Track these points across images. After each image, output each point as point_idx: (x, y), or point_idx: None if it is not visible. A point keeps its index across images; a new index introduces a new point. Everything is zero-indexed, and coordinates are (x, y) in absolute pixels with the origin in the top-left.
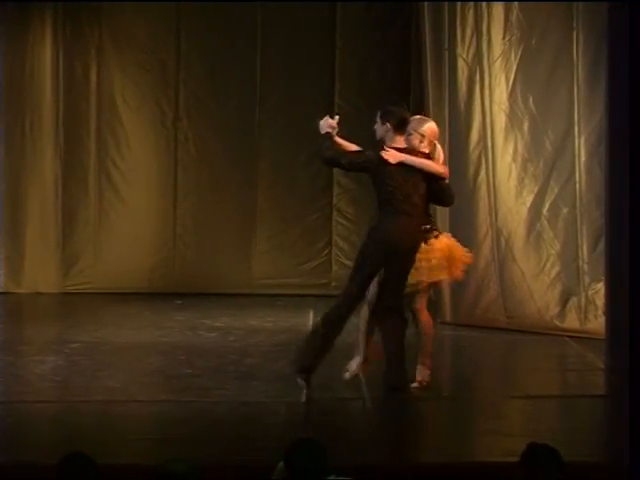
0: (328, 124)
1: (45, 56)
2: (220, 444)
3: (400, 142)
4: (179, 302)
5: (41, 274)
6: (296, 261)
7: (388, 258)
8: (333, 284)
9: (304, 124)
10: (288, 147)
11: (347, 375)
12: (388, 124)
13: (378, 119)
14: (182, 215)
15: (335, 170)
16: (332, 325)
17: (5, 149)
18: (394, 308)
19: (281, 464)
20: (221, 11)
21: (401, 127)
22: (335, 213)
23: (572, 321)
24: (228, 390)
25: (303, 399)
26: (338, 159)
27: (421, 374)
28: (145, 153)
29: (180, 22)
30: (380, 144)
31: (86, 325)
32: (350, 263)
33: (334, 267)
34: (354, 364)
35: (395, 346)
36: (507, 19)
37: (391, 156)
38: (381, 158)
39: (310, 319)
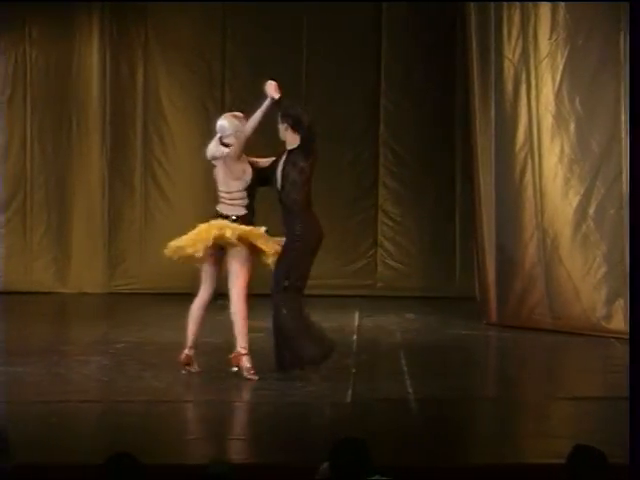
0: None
1: (92, 56)
2: (264, 444)
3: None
4: (221, 302)
5: (87, 274)
6: (341, 262)
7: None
8: (378, 285)
9: (349, 124)
10: (333, 147)
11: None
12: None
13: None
14: None
15: (381, 171)
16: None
17: (52, 149)
18: (301, 290)
19: (325, 465)
20: (267, 11)
21: (297, 126)
22: (380, 214)
23: (618, 322)
24: (273, 390)
25: (348, 399)
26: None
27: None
28: (190, 153)
29: (226, 22)
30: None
31: (131, 325)
32: (396, 264)
33: (379, 268)
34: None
35: (306, 322)
36: (553, 19)
37: None
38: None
39: (356, 320)
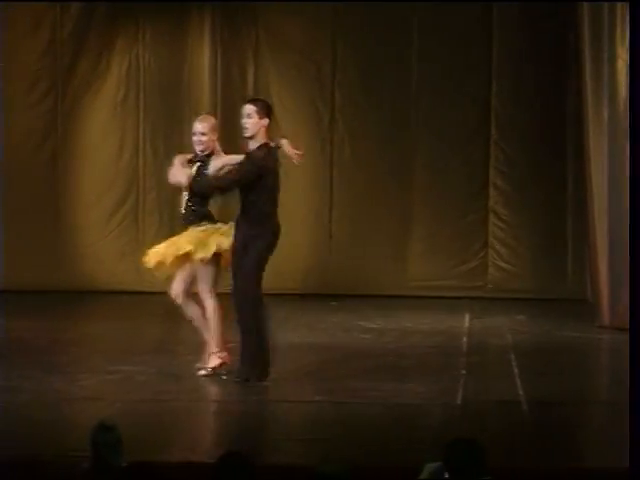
0: (178, 172)
1: (203, 57)
2: (374, 445)
3: (267, 137)
4: (334, 303)
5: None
6: (451, 263)
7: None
8: (489, 286)
9: (459, 125)
10: (443, 148)
11: (204, 372)
12: (267, 119)
13: (254, 113)
14: (337, 216)
15: (491, 172)
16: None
17: (164, 150)
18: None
19: (429, 465)
20: (377, 12)
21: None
22: (491, 215)
23: None
24: (382, 391)
25: (458, 401)
26: (238, 179)
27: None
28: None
29: (336, 23)
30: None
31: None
32: (506, 265)
33: (490, 269)
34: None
35: (269, 332)
36: None
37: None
38: (270, 159)
39: (466, 322)
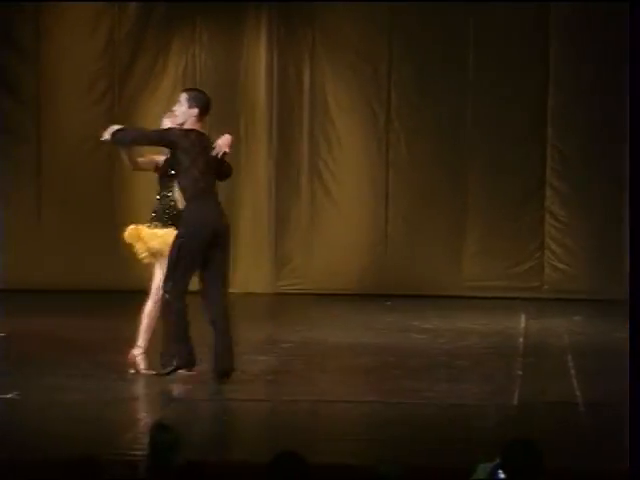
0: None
1: (260, 58)
2: (428, 446)
3: (199, 127)
4: (389, 303)
5: (253, 274)
6: (507, 264)
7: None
8: (545, 287)
9: (516, 125)
10: (499, 149)
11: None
12: (196, 109)
13: (184, 102)
14: (393, 216)
15: (548, 172)
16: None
17: None
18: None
19: (483, 465)
20: (433, 12)
21: (205, 113)
22: (547, 215)
23: None
24: (437, 392)
25: (515, 402)
26: (139, 139)
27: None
28: (357, 154)
29: (392, 23)
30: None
31: (297, 325)
32: (563, 266)
33: (546, 270)
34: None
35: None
36: None
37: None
38: (185, 140)
39: (522, 322)
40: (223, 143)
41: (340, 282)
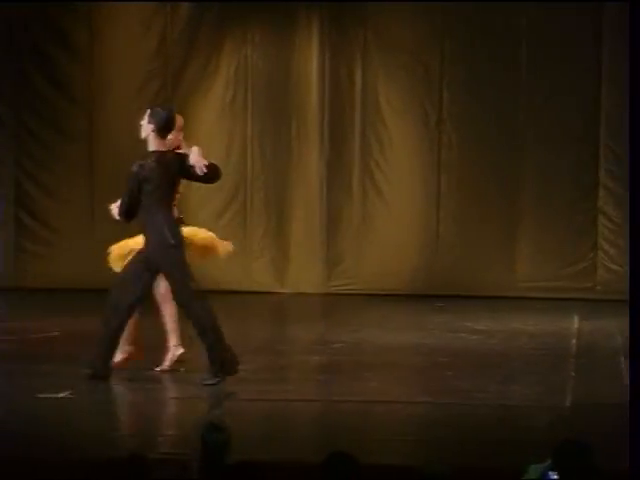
0: None
1: (311, 58)
2: (479, 447)
3: (162, 145)
4: (440, 304)
5: (305, 274)
6: (559, 264)
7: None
8: (598, 288)
9: (568, 125)
10: (552, 149)
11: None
12: (152, 125)
13: (145, 117)
14: (444, 217)
15: (601, 172)
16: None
17: (272, 151)
18: None
19: (533, 466)
20: (486, 12)
21: (164, 130)
22: (600, 216)
23: None
24: (489, 393)
25: (567, 403)
26: (127, 201)
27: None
28: (408, 155)
29: (444, 23)
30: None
31: (348, 325)
32: (616, 267)
33: (599, 271)
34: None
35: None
36: None
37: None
38: (144, 168)
39: (575, 323)
40: (196, 159)
41: (391, 282)
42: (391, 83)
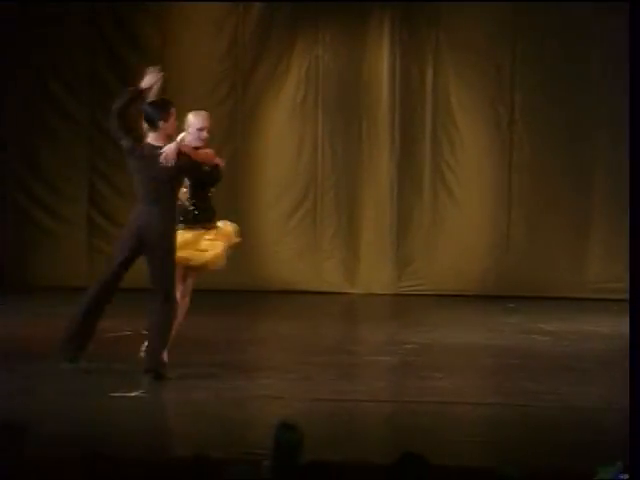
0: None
1: (382, 59)
2: (549, 448)
3: (153, 137)
4: (511, 305)
5: (375, 275)
6: None
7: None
8: None
9: None
10: (624, 150)
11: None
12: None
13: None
14: (516, 218)
15: None
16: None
17: (342, 151)
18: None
19: (604, 468)
20: (557, 11)
21: (148, 124)
22: None
23: None
24: (560, 394)
25: None
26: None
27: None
28: (479, 155)
29: (516, 23)
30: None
31: (419, 326)
32: None
33: None
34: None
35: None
36: None
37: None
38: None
39: None
40: (165, 151)
41: (462, 283)
42: (462, 83)
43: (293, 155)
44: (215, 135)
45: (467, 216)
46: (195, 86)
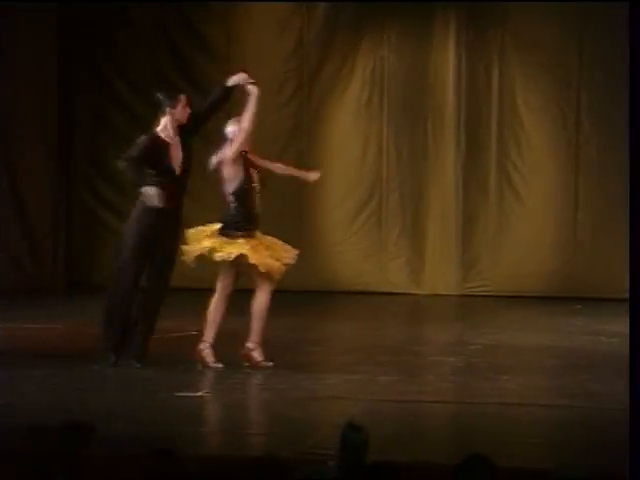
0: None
1: (448, 59)
2: (611, 450)
3: (164, 124)
4: (578, 307)
5: (441, 276)
6: None
7: None
8: None
9: None
10: None
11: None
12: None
13: None
14: (582, 219)
15: None
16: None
17: (407, 152)
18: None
19: None
20: (623, 12)
21: (161, 109)
22: None
23: None
24: (625, 396)
25: None
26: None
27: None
28: (545, 156)
29: (582, 23)
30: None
31: (485, 327)
32: None
33: None
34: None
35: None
36: None
37: None
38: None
39: None
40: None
41: (527, 284)
42: (528, 84)
43: (358, 156)
44: (280, 136)
45: (533, 217)
46: (261, 86)
